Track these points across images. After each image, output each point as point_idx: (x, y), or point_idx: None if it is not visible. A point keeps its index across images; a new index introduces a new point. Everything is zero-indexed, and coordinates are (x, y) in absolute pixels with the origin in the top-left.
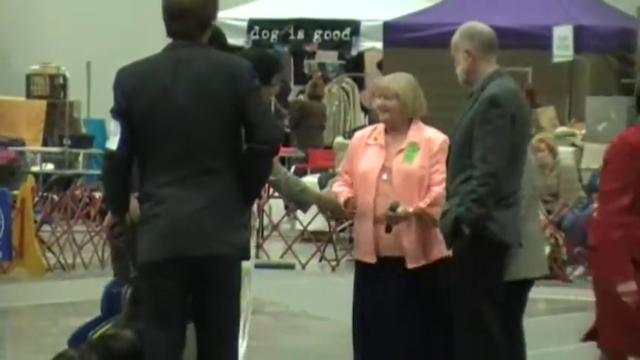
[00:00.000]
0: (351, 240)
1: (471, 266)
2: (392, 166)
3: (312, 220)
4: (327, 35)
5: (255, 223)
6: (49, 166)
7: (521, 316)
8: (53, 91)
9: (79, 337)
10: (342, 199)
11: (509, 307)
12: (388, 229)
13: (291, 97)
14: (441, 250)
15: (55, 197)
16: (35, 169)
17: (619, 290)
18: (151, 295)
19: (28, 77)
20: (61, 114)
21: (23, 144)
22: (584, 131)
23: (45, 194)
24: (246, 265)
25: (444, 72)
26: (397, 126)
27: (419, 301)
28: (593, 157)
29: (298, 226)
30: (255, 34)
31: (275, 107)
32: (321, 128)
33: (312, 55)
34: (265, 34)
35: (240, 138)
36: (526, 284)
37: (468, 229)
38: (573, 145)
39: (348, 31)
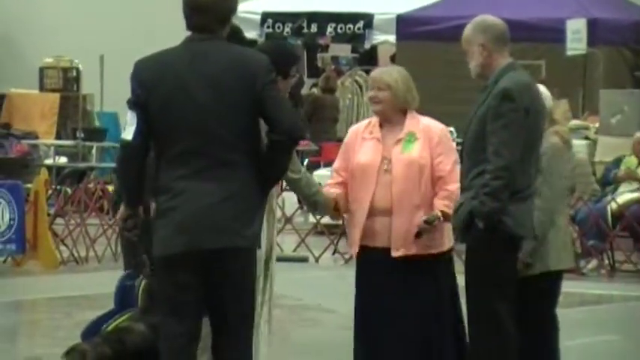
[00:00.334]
0: None
1: (485, 259)
2: (391, 156)
3: None
4: (341, 28)
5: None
6: (63, 159)
7: (554, 306)
8: (66, 84)
9: (92, 330)
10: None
11: (542, 299)
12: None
13: (304, 91)
14: (442, 244)
15: (69, 190)
16: (48, 162)
17: None
18: (167, 289)
19: (42, 70)
20: (75, 107)
21: (37, 137)
22: (597, 124)
23: (58, 187)
24: (259, 253)
25: (456, 65)
26: (390, 117)
27: (418, 293)
28: (607, 150)
29: (311, 219)
30: (268, 27)
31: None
32: (334, 121)
33: (325, 48)
34: (279, 27)
35: (259, 132)
36: (557, 275)
37: (481, 223)
38: (587, 138)
39: (361, 24)
